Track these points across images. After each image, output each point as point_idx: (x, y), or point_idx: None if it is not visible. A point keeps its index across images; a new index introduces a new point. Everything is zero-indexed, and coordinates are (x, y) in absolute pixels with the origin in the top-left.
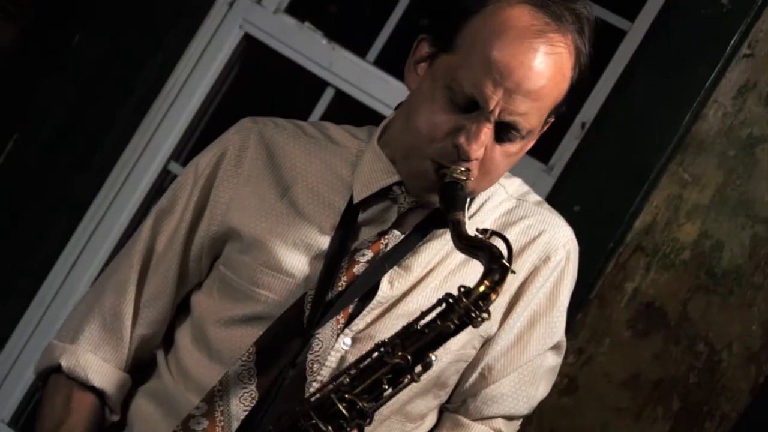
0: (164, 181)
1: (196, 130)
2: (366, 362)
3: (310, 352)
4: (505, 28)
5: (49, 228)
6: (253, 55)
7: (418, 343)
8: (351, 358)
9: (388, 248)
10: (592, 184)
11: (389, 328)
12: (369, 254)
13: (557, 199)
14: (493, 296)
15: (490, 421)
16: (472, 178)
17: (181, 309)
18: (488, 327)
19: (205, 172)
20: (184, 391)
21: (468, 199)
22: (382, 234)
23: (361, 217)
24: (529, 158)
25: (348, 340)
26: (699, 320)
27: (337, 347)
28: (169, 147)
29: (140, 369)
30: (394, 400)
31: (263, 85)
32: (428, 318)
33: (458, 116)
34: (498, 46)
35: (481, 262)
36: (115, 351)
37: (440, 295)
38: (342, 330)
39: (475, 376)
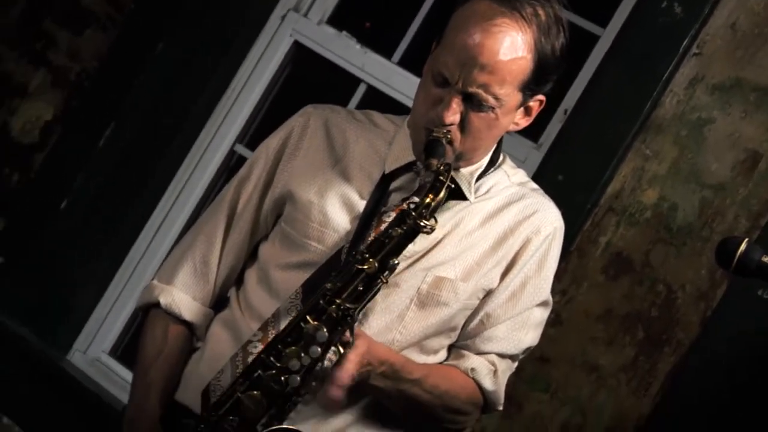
0: (231, 160)
1: (257, 117)
2: (344, 271)
3: None
4: (467, 17)
5: (138, 199)
6: (301, 58)
7: (382, 251)
8: (380, 302)
9: None
10: (573, 158)
11: (412, 277)
12: (392, 215)
13: (545, 171)
14: (433, 204)
15: (486, 356)
16: (451, 137)
17: (250, 255)
18: (490, 282)
19: (275, 147)
20: (248, 320)
21: (450, 155)
22: (405, 200)
23: (393, 186)
24: (522, 138)
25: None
26: (659, 266)
27: None
28: (235, 132)
29: (219, 302)
30: (412, 335)
31: (309, 82)
32: (389, 230)
33: (438, 91)
34: (461, 31)
35: (428, 183)
36: (203, 290)
37: (456, 253)
38: None
39: (476, 321)
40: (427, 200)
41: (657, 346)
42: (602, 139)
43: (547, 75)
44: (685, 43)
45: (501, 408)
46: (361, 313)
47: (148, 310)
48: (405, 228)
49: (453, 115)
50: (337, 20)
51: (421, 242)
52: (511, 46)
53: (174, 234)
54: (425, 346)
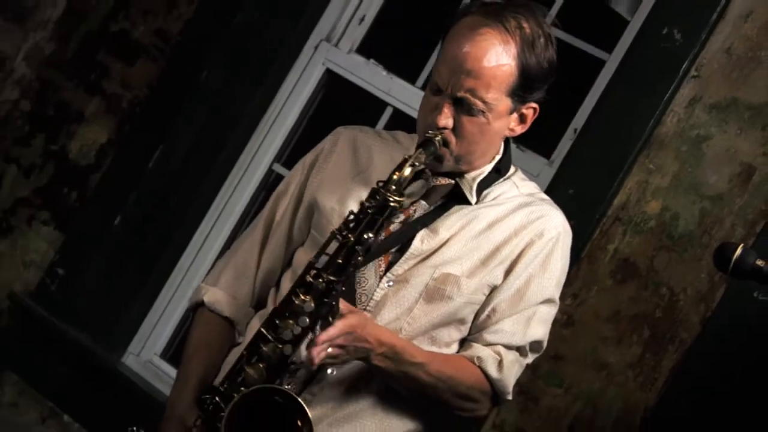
0: (269, 178)
1: (293, 139)
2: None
3: (358, 286)
4: (457, 31)
5: (184, 214)
6: (332, 84)
7: (358, 227)
8: (392, 296)
9: (417, 214)
10: (582, 173)
11: (420, 274)
12: (401, 217)
13: (557, 185)
14: (396, 178)
15: (493, 347)
16: (447, 140)
17: (287, 262)
18: (494, 278)
19: (308, 164)
20: None
21: (449, 157)
22: (412, 203)
23: (406, 192)
24: (536, 155)
25: (390, 282)
26: (662, 271)
27: (381, 286)
28: (273, 152)
29: (259, 302)
30: (419, 326)
31: (340, 106)
32: (363, 208)
33: (434, 99)
34: (452, 43)
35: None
36: (243, 291)
37: (463, 253)
38: (384, 274)
39: (484, 315)
40: (395, 177)
41: (661, 344)
42: (609, 156)
43: (533, 83)
44: (684, 66)
45: (510, 397)
46: (374, 306)
47: (196, 309)
48: (374, 203)
49: (445, 119)
50: (365, 49)
51: (429, 242)
52: (494, 53)
53: (218, 245)
54: (435, 338)
